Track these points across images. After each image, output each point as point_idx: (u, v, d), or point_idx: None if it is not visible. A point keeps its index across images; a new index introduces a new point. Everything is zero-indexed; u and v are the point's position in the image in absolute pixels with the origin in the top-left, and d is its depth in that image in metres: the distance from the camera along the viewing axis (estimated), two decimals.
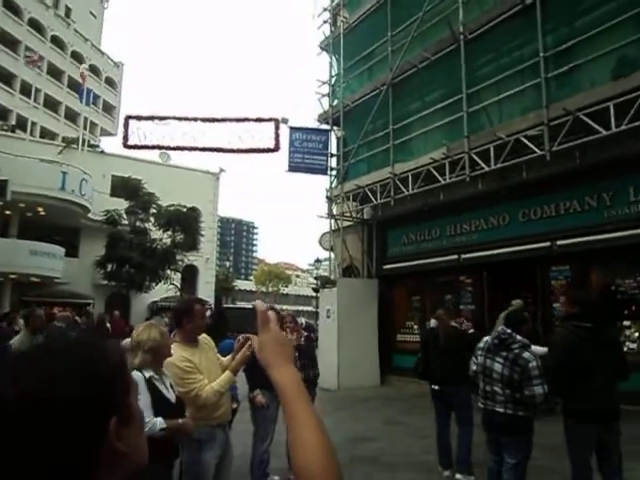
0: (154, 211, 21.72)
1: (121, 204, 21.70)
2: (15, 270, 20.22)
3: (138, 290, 21.41)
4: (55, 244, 22.02)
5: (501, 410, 4.11)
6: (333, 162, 14.80)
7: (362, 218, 14.21)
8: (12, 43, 31.83)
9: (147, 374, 3.17)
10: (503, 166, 9.61)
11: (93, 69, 38.48)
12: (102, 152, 27.30)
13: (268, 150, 15.86)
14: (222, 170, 31.02)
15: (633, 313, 9.00)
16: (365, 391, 11.64)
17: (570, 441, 3.98)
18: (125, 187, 22.14)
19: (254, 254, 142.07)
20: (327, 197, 14.39)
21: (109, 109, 39.92)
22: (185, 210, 22.69)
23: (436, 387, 5.74)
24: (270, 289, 75.10)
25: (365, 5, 13.89)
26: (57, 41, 35.84)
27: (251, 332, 1.17)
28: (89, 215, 22.87)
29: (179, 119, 16.33)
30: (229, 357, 3.83)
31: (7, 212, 20.81)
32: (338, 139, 14.78)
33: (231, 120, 16.23)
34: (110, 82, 41.05)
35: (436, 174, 10.88)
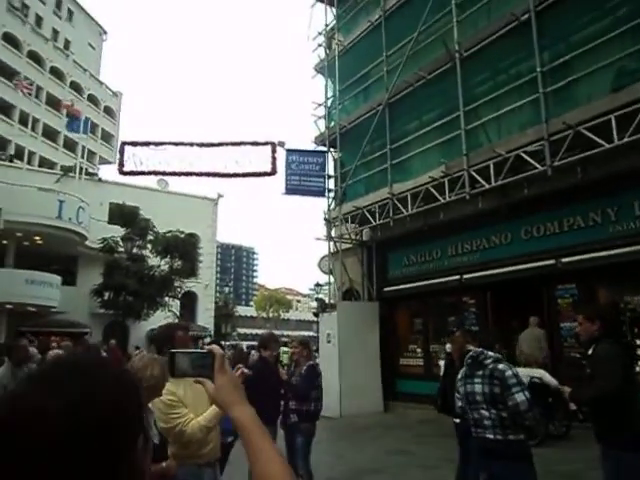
0: (151, 238, 21.49)
1: (119, 231, 21.48)
2: (11, 300, 19.89)
3: (136, 318, 21.01)
4: (53, 273, 21.76)
5: (491, 436, 3.81)
6: (330, 184, 14.66)
7: (361, 240, 13.98)
8: (11, 75, 32.11)
9: None
10: (503, 183, 9.42)
11: (92, 99, 38.80)
12: (99, 180, 27.24)
13: (265, 174, 15.74)
14: (220, 196, 30.95)
15: None
16: (368, 418, 11.22)
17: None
18: (122, 214, 21.97)
19: (254, 280, 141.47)
20: (325, 219, 14.18)
21: (108, 138, 40.07)
22: (183, 236, 22.46)
23: (457, 420, 5.30)
24: (271, 314, 74.43)
25: (359, 27, 13.93)
26: (56, 72, 36.18)
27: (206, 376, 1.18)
28: (86, 243, 22.62)
29: (175, 144, 16.25)
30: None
31: (3, 241, 20.60)
32: (335, 161, 14.65)
33: (227, 144, 16.15)
34: (109, 111, 41.32)
35: (435, 193, 10.69)
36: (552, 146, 8.53)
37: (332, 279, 14.46)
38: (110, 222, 24.07)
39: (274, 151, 15.71)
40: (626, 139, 7.53)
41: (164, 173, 16.90)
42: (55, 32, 38.61)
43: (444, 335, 9.99)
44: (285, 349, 21.76)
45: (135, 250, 20.43)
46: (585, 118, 8.08)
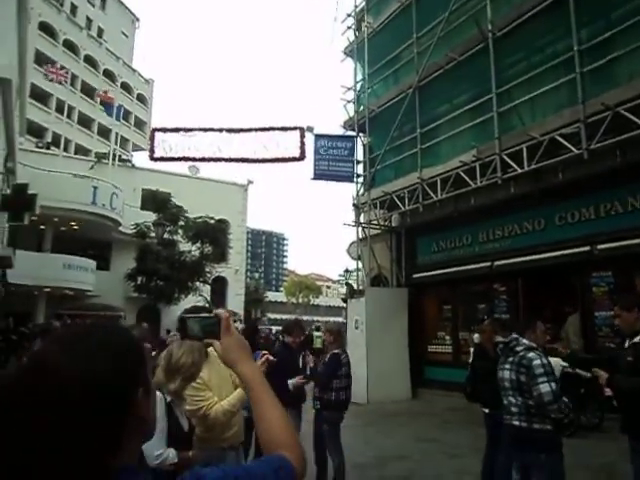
0: (182, 223, 21.80)
1: (151, 217, 21.85)
2: (49, 284, 20.54)
3: (167, 302, 21.44)
4: (89, 258, 22.36)
5: (517, 423, 3.79)
6: (359, 169, 14.51)
7: (390, 226, 13.83)
8: (48, 63, 32.82)
9: (168, 398, 2.91)
10: (537, 167, 9.12)
11: (125, 86, 39.38)
12: (132, 166, 27.72)
13: (294, 159, 15.65)
14: (250, 182, 31.10)
15: None
16: (395, 405, 11.19)
17: None
18: (154, 200, 22.32)
19: (284, 265, 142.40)
20: (354, 205, 14.07)
21: (140, 125, 40.67)
22: (214, 222, 22.71)
23: (486, 410, 5.24)
24: (300, 300, 74.87)
25: (389, 9, 13.64)
26: (90, 60, 36.82)
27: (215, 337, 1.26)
28: (120, 228, 23.12)
29: (204, 130, 16.31)
30: None
31: (41, 227, 21.20)
32: (364, 145, 14.48)
33: (256, 130, 16.12)
34: (141, 98, 41.90)
35: (466, 178, 10.45)
36: (589, 128, 8.19)
37: (360, 265, 14.39)
38: (143, 208, 24.53)
39: (303, 136, 15.60)
40: None
41: (194, 159, 16.99)
42: (89, 20, 39.20)
43: (474, 323, 9.80)
44: (318, 334, 21.93)
45: (166, 235, 20.77)
46: (625, 98, 7.72)
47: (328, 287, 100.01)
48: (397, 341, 12.52)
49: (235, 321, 25.46)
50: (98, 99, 28.52)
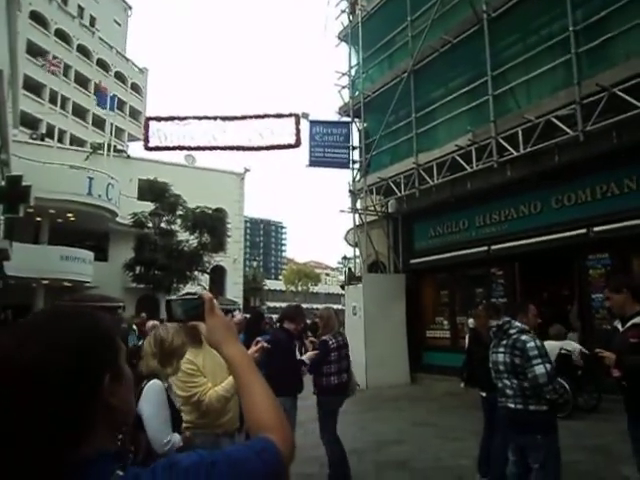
0: (180, 213, 21.77)
1: (148, 207, 21.80)
2: (47, 275, 20.51)
3: (166, 292, 21.46)
4: (86, 249, 22.31)
5: (512, 405, 3.82)
6: (355, 155, 14.43)
7: (387, 212, 13.79)
8: (40, 54, 32.49)
9: (165, 384, 2.91)
10: (533, 150, 9.06)
11: (119, 76, 39.08)
12: (128, 157, 27.57)
13: (289, 146, 15.58)
14: (247, 170, 30.99)
15: None
16: (394, 390, 11.24)
17: None
18: (151, 190, 22.25)
19: (283, 254, 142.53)
20: (350, 191, 14.02)
21: (135, 114, 40.39)
22: (211, 211, 22.67)
23: (483, 394, 5.27)
24: (299, 288, 75.04)
25: None
26: (83, 50, 36.46)
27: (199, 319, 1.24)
28: (117, 219, 23.09)
29: (199, 118, 16.20)
30: None
31: (38, 218, 21.13)
32: (360, 131, 14.38)
33: (251, 117, 16.01)
34: (135, 88, 41.57)
35: (462, 162, 10.39)
36: (584, 110, 8.12)
37: (358, 252, 14.37)
38: (140, 198, 24.46)
39: (298, 123, 15.51)
40: None
41: (189, 148, 16.90)
42: (80, 9, 38.74)
43: (471, 307, 9.80)
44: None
45: (164, 225, 20.74)
46: (620, 79, 7.64)
47: (327, 275, 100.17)
48: (395, 327, 12.54)
49: (234, 310, 25.55)
50: (92, 89, 28.42)
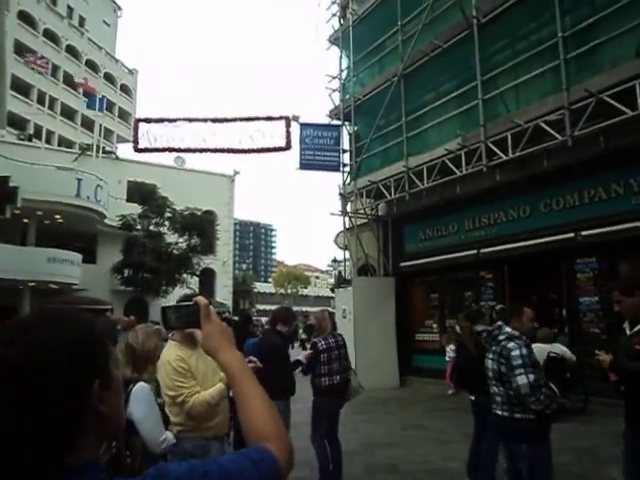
0: (169, 215, 21.64)
1: (137, 209, 21.67)
2: (34, 278, 20.23)
3: (155, 295, 21.32)
4: (75, 251, 22.06)
5: (499, 413, 3.75)
6: (346, 158, 14.46)
7: (377, 215, 13.82)
8: (28, 53, 32.17)
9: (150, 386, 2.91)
10: (522, 154, 9.14)
11: (108, 77, 38.80)
12: (117, 158, 27.38)
13: (279, 149, 15.57)
14: (237, 172, 30.94)
15: None
16: (384, 393, 11.23)
17: None
18: (139, 192, 22.10)
19: (273, 256, 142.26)
20: (340, 194, 14.04)
21: (125, 116, 40.12)
22: (200, 214, 22.57)
23: (472, 397, 5.27)
24: (289, 291, 74.93)
25: None
26: (72, 50, 36.17)
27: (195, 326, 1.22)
28: (105, 221, 22.87)
29: (189, 120, 16.16)
30: None
31: (25, 220, 20.89)
32: (350, 134, 14.42)
33: (241, 120, 15.99)
34: (125, 89, 41.31)
35: (452, 166, 10.45)
36: (573, 115, 8.21)
37: (348, 255, 14.39)
38: (129, 200, 24.28)
39: (288, 125, 15.51)
40: None
41: (179, 150, 16.83)
42: (70, 9, 38.43)
43: (461, 310, 9.85)
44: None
45: (152, 227, 20.60)
46: (608, 85, 7.74)
47: (317, 277, 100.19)
48: (385, 330, 12.56)
49: (224, 312, 25.44)
50: (81, 90, 28.07)
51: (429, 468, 5.93)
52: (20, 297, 20.80)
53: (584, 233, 9.00)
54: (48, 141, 31.16)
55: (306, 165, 14.48)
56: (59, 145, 31.00)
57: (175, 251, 21.33)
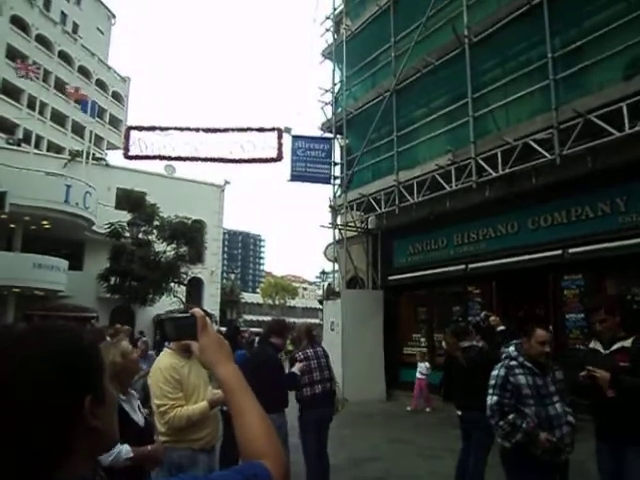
0: (157, 223, 21.50)
1: (126, 217, 21.51)
2: (19, 284, 19.98)
3: (142, 303, 21.11)
4: (61, 257, 21.83)
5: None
6: (337, 171, 14.53)
7: (367, 228, 13.89)
8: (21, 59, 32.02)
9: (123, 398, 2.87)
10: (511, 172, 9.27)
11: (100, 84, 38.69)
12: (107, 165, 27.23)
13: (271, 160, 15.62)
14: (227, 182, 30.89)
15: None
16: (370, 406, 11.20)
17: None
18: (128, 199, 21.98)
19: (261, 267, 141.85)
20: (331, 207, 14.09)
21: (116, 123, 39.98)
22: (189, 222, 22.46)
23: (459, 412, 5.27)
24: (277, 302, 74.63)
25: (368, 12, 13.72)
26: (65, 56, 36.05)
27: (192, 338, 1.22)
28: (93, 228, 22.69)
29: (181, 129, 16.17)
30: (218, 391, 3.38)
31: (11, 225, 20.67)
32: (341, 147, 14.52)
33: (233, 130, 16.04)
34: (117, 96, 41.21)
35: (442, 181, 10.56)
36: (561, 134, 8.36)
37: (337, 267, 14.40)
38: (117, 207, 24.12)
39: (280, 137, 15.59)
40: (638, 128, 7.35)
41: (169, 158, 16.82)
42: (64, 15, 38.40)
43: (448, 325, 9.89)
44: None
45: (141, 235, 20.45)
46: (596, 106, 7.90)
47: (304, 289, 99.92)
48: (372, 343, 12.56)
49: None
50: (72, 98, 27.99)
51: None
52: (4, 303, 20.51)
53: (571, 250, 9.12)
54: (37, 146, 30.85)
55: (297, 177, 14.53)
56: (48, 150, 30.76)
57: (163, 259, 21.18)
